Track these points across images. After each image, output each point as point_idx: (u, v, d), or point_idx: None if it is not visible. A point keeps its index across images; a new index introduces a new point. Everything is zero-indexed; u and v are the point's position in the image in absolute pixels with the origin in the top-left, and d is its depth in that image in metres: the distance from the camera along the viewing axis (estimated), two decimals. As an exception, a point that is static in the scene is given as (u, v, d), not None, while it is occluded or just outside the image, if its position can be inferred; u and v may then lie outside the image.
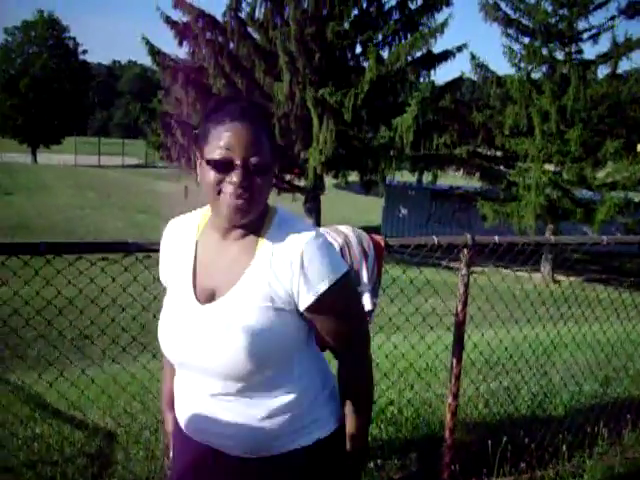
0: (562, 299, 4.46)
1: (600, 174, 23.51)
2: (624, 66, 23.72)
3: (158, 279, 2.13)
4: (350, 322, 1.95)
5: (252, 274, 1.83)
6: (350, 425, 2.03)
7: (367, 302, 2.90)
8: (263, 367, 1.82)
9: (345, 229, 3.01)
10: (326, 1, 21.10)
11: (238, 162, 1.75)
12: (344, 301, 1.89)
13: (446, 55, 22.86)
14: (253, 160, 1.76)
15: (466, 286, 3.47)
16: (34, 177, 34.43)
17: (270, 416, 1.87)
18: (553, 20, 23.04)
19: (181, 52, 23.29)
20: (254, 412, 1.87)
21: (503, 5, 23.55)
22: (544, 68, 23.42)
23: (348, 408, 2.02)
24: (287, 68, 20.59)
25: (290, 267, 1.80)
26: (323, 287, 1.80)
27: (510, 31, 23.65)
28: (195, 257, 1.94)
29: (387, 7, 22.92)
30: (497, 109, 23.84)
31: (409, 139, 20.85)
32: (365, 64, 21.91)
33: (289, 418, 1.89)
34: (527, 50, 23.27)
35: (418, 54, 22.34)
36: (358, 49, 22.99)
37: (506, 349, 4.56)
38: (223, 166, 1.76)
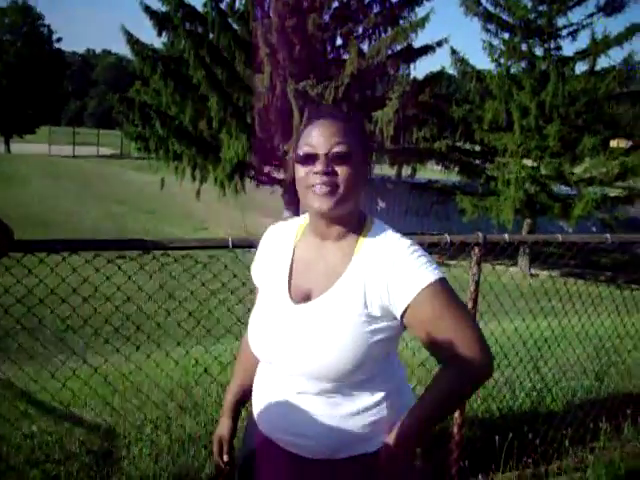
0: (542, 293, 4.50)
1: (578, 170, 23.75)
2: (602, 63, 23.92)
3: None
4: (448, 331, 1.86)
5: (348, 279, 1.88)
6: (409, 415, 1.93)
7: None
8: (351, 371, 1.83)
9: None
10: (307, -7, 21.06)
11: (320, 152, 1.86)
12: (440, 308, 1.85)
13: (426, 49, 22.89)
14: (335, 150, 1.86)
15: (477, 284, 3.48)
16: (8, 167, 34.05)
17: (352, 419, 1.89)
18: (533, 16, 23.15)
19: (160, 42, 23.07)
20: (336, 413, 1.89)
21: (483, 0, 23.66)
22: (523, 64, 23.56)
23: (420, 402, 1.94)
24: (268, 60, 20.49)
25: (385, 275, 1.84)
26: (415, 294, 1.82)
27: (490, 26, 23.75)
28: (292, 259, 2.00)
29: (368, 0, 22.88)
30: (477, 104, 23.97)
31: (389, 133, 20.88)
32: (346, 57, 21.88)
33: (369, 422, 1.90)
34: (507, 46, 23.39)
35: (399, 48, 22.36)
36: (339, 42, 22.98)
37: (496, 341, 4.58)
38: (308, 159, 1.88)
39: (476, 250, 3.47)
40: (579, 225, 23.16)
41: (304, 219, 2.09)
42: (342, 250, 1.94)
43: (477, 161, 25.07)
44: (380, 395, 1.91)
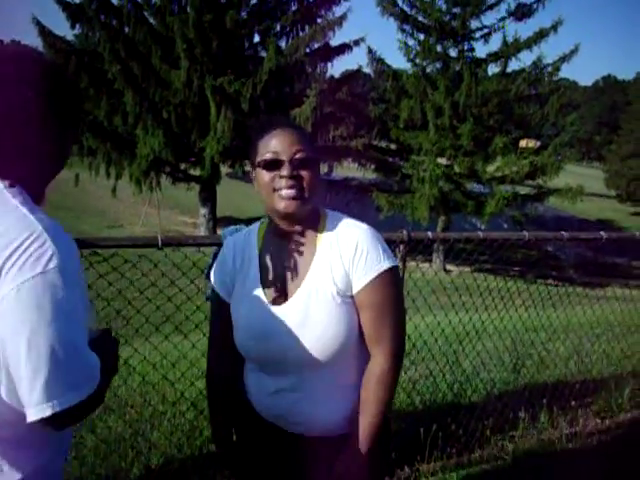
0: (454, 288, 4.63)
1: (490, 168, 24.40)
2: (513, 66, 24.62)
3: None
4: (390, 316, 2.03)
5: (316, 267, 2.01)
6: (361, 423, 2.04)
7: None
8: (336, 356, 1.98)
9: None
10: (224, -12, 20.95)
11: (284, 158, 1.97)
12: (390, 293, 2.02)
13: (344, 48, 23.04)
14: (298, 155, 1.97)
15: (402, 280, 3.56)
16: None
17: (343, 400, 2.07)
18: (447, 18, 23.73)
19: (73, 35, 22.55)
20: (329, 397, 2.05)
21: (400, 1, 24.08)
22: (438, 64, 24.08)
23: (362, 405, 2.04)
24: (185, 55, 20.32)
25: (347, 253, 1.99)
26: (374, 274, 1.98)
27: (406, 27, 24.23)
28: (259, 265, 2.09)
29: (285, -2, 22.92)
30: (392, 103, 24.39)
31: (307, 130, 20.97)
32: (264, 54, 21.82)
33: (357, 400, 2.05)
34: (422, 46, 23.91)
35: (316, 46, 22.47)
36: (257, 38, 22.95)
37: (420, 336, 4.70)
38: (273, 164, 1.98)
39: (401, 247, 3.56)
40: (491, 222, 23.81)
41: (258, 225, 2.20)
42: (305, 244, 2.06)
43: (393, 159, 25.47)
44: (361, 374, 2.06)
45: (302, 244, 2.06)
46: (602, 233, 4.40)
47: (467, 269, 21.02)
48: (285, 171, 1.96)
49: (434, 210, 23.72)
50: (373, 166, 24.80)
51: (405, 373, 4.58)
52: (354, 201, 25.55)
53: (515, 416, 4.40)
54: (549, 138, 27.03)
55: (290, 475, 2.16)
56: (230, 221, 22.88)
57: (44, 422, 1.35)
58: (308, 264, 2.03)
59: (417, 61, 24.06)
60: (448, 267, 22.86)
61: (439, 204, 23.57)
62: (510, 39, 23.38)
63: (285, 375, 2.05)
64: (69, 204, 24.95)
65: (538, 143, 27.86)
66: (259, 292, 2.06)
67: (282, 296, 2.04)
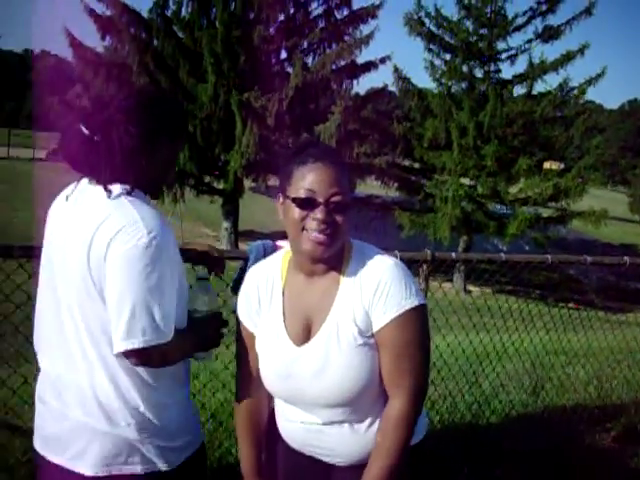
0: (476, 309, 4.63)
1: (513, 189, 24.32)
2: (539, 87, 24.62)
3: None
4: (412, 357, 1.95)
5: (338, 306, 1.96)
6: (369, 466, 1.98)
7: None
8: (357, 398, 1.96)
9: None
10: (253, 4, 21.12)
11: (321, 200, 1.88)
12: (413, 332, 1.94)
13: (370, 66, 23.20)
14: (335, 199, 1.88)
15: (425, 293, 3.60)
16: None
17: (372, 429, 2.03)
18: (474, 39, 23.76)
19: (102, 47, 22.77)
20: (359, 429, 2.03)
21: (427, 21, 24.15)
22: (464, 84, 24.10)
23: (377, 448, 1.98)
24: (212, 70, 20.51)
25: (368, 290, 1.93)
26: (396, 313, 1.91)
27: (432, 46, 24.25)
28: (283, 302, 2.05)
29: (313, 15, 23.10)
30: (417, 121, 24.41)
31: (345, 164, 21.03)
32: (290, 70, 22.00)
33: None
34: (448, 66, 23.93)
35: (343, 63, 22.60)
36: (284, 54, 23.10)
37: (441, 355, 4.71)
38: (307, 204, 1.89)
39: (424, 267, 3.59)
40: (513, 243, 23.72)
41: (282, 255, 2.12)
42: (329, 282, 1.99)
43: (416, 178, 25.44)
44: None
45: (325, 281, 2.00)
46: (626, 258, 4.41)
47: (488, 290, 20.90)
48: (319, 214, 1.86)
49: (456, 230, 23.65)
50: (396, 184, 24.77)
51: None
52: (376, 219, 25.52)
53: (533, 438, 4.40)
54: (573, 161, 26.92)
55: None
56: (252, 235, 22.96)
57: (124, 355, 1.90)
58: (331, 303, 1.97)
59: (443, 81, 24.08)
60: (469, 287, 22.74)
61: (461, 224, 23.51)
62: (536, 61, 23.34)
63: (307, 411, 2.04)
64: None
65: (562, 165, 27.75)
66: (282, 330, 2.02)
67: (305, 335, 2.00)
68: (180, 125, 2.20)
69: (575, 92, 23.87)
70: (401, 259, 3.49)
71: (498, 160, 22.90)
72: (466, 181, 24.19)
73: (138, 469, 1.99)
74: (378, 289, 1.91)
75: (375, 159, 23.22)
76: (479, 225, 23.83)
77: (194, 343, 2.12)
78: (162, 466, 2.02)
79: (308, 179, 1.89)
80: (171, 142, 2.11)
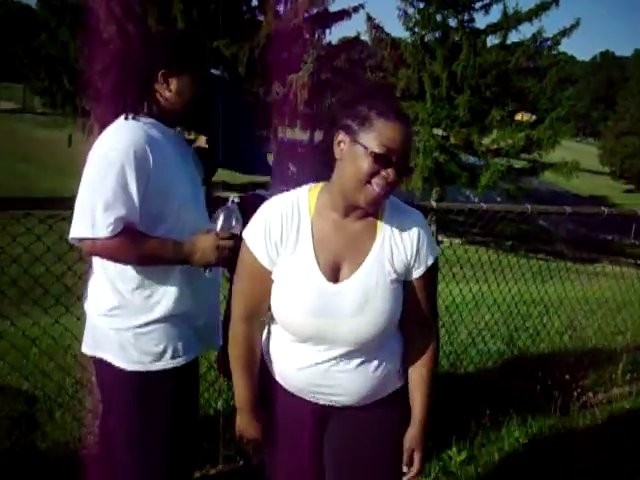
0: (444, 259, 4.60)
1: (485, 140, 24.34)
2: (513, 38, 24.56)
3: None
4: (434, 302, 2.13)
5: (376, 252, 1.98)
6: (420, 398, 2.12)
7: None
8: (386, 333, 2.03)
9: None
10: (223, -50, 20.68)
11: (394, 159, 1.84)
12: (434, 279, 2.10)
13: (342, 14, 22.80)
14: (404, 162, 1.87)
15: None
16: None
17: (381, 369, 2.07)
18: (448, -13, 23.47)
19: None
20: (370, 367, 2.06)
21: (401, -32, 23.79)
22: (437, 34, 23.87)
23: (420, 379, 2.12)
24: (181, 17, 20.10)
25: (411, 243, 2.00)
26: (431, 261, 2.02)
27: (406, -5, 23.94)
28: (312, 236, 1.99)
29: (285, -38, 22.62)
30: (390, 71, 24.21)
31: (303, 96, 20.85)
32: (261, 18, 21.63)
33: (392, 368, 2.10)
34: (422, 15, 23.66)
35: (315, 11, 22.23)
36: (255, 2, 22.68)
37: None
38: (382, 160, 1.83)
39: (429, 217, 3.57)
40: (485, 195, 23.81)
41: (306, 193, 2.04)
42: (364, 226, 2.00)
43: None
44: (398, 344, 2.13)
45: (361, 224, 1.99)
46: (604, 208, 4.39)
47: (457, 240, 21.02)
48: (392, 175, 1.84)
49: (428, 181, 23.67)
50: (369, 135, 24.67)
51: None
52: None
53: (509, 388, 4.42)
54: (545, 112, 26.97)
55: (312, 442, 2.20)
56: (223, 187, 22.73)
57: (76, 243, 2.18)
58: (368, 248, 1.98)
59: (416, 30, 23.88)
60: (440, 238, 22.85)
61: (433, 175, 23.53)
62: (511, 11, 23.22)
63: (329, 349, 2.02)
64: (62, 165, 24.75)
65: (534, 117, 27.80)
66: (314, 267, 1.97)
67: (334, 274, 1.98)
68: (189, 58, 2.30)
69: (549, 43, 23.82)
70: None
71: (471, 111, 22.88)
72: (439, 132, 24.15)
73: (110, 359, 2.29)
74: (419, 240, 1.99)
75: (347, 110, 23.03)
76: (452, 176, 23.88)
77: (175, 251, 2.23)
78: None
79: (389, 135, 1.84)
80: (182, 75, 2.27)
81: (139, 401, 2.31)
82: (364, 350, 2.02)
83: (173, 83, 2.27)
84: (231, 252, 2.23)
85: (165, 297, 2.28)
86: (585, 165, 28.88)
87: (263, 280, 2.03)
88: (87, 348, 2.36)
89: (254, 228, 2.02)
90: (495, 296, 5.09)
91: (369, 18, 23.73)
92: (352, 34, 24.17)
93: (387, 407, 2.13)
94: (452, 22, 23.75)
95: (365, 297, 1.95)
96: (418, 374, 2.11)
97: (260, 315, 2.11)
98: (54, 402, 3.62)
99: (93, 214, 2.10)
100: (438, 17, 23.59)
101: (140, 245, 2.18)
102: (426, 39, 23.97)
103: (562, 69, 25.28)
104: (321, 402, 2.10)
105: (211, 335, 2.47)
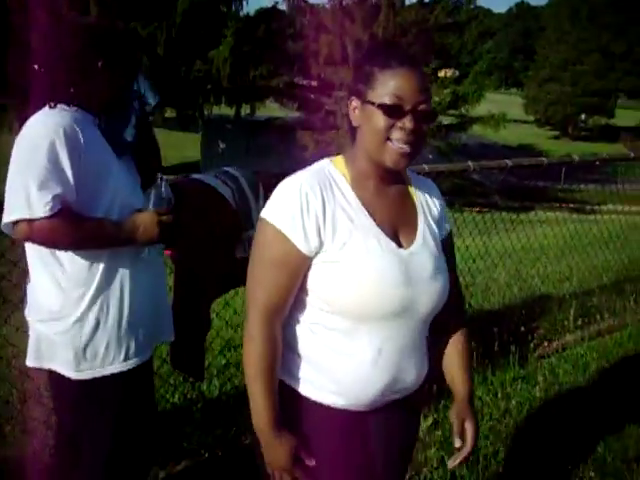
0: None
1: (413, 99, 24.40)
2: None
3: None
4: (456, 272, 2.05)
5: (422, 216, 1.91)
6: (466, 374, 2.01)
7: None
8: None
9: (235, 171, 2.92)
10: None
11: (408, 107, 1.70)
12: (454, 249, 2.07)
13: (258, -16, 22.57)
14: (422, 107, 1.72)
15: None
16: None
17: (427, 349, 1.96)
18: (361, -52, 23.27)
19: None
20: (424, 346, 1.93)
21: None
22: (355, -3, 23.70)
23: (463, 357, 2.01)
24: (94, 1, 19.50)
25: (436, 208, 1.96)
26: (449, 227, 2.00)
27: (320, -41, 23.71)
28: (365, 208, 1.81)
29: None
30: (311, 38, 23.97)
31: (226, 71, 20.64)
32: (176, -5, 21.17)
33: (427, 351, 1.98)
34: (338, -22, 23.43)
35: (229, -16, 21.91)
36: (168, -21, 22.15)
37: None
38: (394, 111, 1.71)
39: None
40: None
41: (332, 166, 1.84)
42: (401, 190, 1.90)
43: (315, 96, 25.16)
44: None
45: (398, 187, 1.89)
46: (544, 159, 4.39)
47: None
48: (408, 123, 1.69)
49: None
50: (296, 104, 24.49)
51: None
52: (279, 141, 25.28)
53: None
54: (467, 67, 27.19)
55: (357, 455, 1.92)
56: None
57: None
58: (413, 212, 1.89)
59: (334, -6, 23.68)
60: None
61: (364, 139, 23.53)
62: (427, -32, 23.18)
63: (393, 331, 1.81)
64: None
65: (457, 72, 28.00)
66: (381, 236, 1.79)
67: (398, 241, 1.83)
68: (116, 53, 2.23)
69: (466, -3, 23.96)
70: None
71: (396, 71, 22.88)
72: (365, 96, 24.14)
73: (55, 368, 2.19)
74: (441, 203, 1.97)
75: (272, 80, 22.86)
76: (384, 138, 23.92)
77: (115, 230, 2.16)
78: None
79: (395, 84, 1.71)
80: (106, 69, 2.20)
81: (90, 408, 2.20)
82: (425, 327, 1.90)
83: (105, 74, 2.21)
84: (170, 228, 2.21)
85: (112, 297, 2.17)
86: (511, 115, 29.22)
87: (295, 269, 1.77)
88: (32, 360, 2.23)
89: (283, 208, 1.75)
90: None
91: (286, -14, 23.45)
92: (270, 4, 23.95)
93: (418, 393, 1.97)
94: (369, -17, 23.62)
95: (433, 260, 1.85)
96: (454, 349, 1.99)
97: (284, 313, 1.82)
98: (1, 417, 3.46)
99: (27, 194, 2.00)
100: (355, -21, 23.44)
101: (79, 226, 2.09)
102: (344, 2, 23.77)
103: (481, 23, 25.42)
104: (388, 398, 1.86)
105: (162, 330, 2.38)
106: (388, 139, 1.72)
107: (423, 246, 1.85)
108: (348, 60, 22.76)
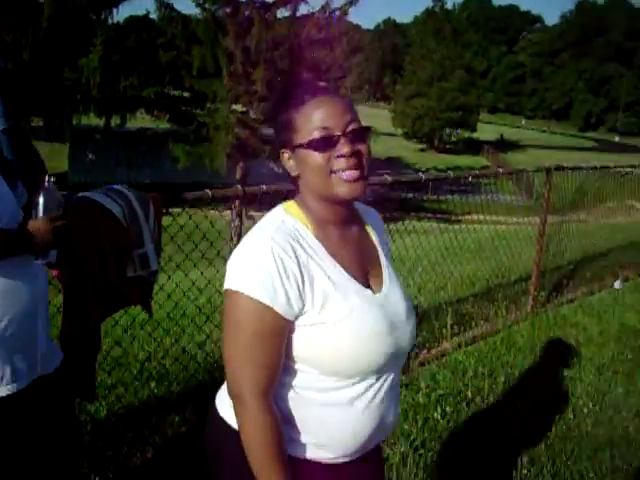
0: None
1: (285, 113, 24.59)
2: (302, 10, 24.82)
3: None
4: None
5: (382, 252, 1.88)
6: None
7: (153, 261, 2.84)
8: None
9: (124, 189, 2.88)
10: None
11: (339, 132, 1.65)
12: None
13: (128, -7, 22.18)
14: (352, 127, 1.67)
15: (239, 234, 3.53)
16: None
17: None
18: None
19: None
20: (398, 387, 1.91)
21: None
22: (228, 9, 23.64)
23: None
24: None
25: (387, 243, 1.97)
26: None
27: (192, -30, 23.53)
28: (337, 261, 1.72)
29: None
30: (183, 49, 23.77)
31: (96, 81, 20.20)
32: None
33: None
34: (211, -9, 23.34)
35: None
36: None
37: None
38: (325, 143, 1.64)
39: (237, 203, 3.52)
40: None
41: (286, 213, 1.75)
42: (358, 226, 1.85)
43: (187, 108, 24.99)
44: None
45: (356, 226, 1.83)
46: (421, 175, 4.57)
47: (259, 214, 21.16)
48: (345, 148, 1.63)
49: (232, 158, 23.63)
50: (167, 116, 24.20)
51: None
52: (149, 153, 24.92)
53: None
54: (336, 81, 27.69)
55: None
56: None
57: None
58: (374, 249, 1.85)
59: (206, 6, 23.54)
60: (250, 213, 22.97)
61: (236, 151, 23.50)
62: (299, -17, 23.41)
63: (380, 378, 1.75)
64: None
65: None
66: (355, 285, 1.71)
67: (368, 285, 1.76)
68: None
69: (337, 14, 24.38)
70: (213, 197, 3.42)
71: (268, 84, 22.98)
72: (238, 107, 24.12)
73: None
74: (384, 234, 1.97)
75: (143, 91, 22.51)
76: (255, 151, 23.95)
77: (5, 240, 2.00)
78: None
79: (316, 117, 1.66)
80: None
81: None
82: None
83: None
84: (65, 232, 2.14)
85: None
86: (380, 129, 29.96)
87: (282, 337, 1.65)
88: None
89: (258, 277, 1.61)
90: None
91: (157, -4, 23.11)
92: (141, 13, 23.60)
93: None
94: (242, -3, 23.63)
95: (403, 298, 1.81)
96: None
97: (275, 384, 1.68)
98: None
99: None
100: (228, -8, 23.41)
101: None
102: (216, 14, 23.70)
103: (352, 38, 25.95)
104: (368, 445, 1.82)
105: (44, 359, 2.22)
106: (331, 172, 1.66)
107: (391, 286, 1.80)
108: (221, 72, 22.73)
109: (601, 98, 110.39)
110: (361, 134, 1.69)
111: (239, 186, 3.52)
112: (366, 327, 1.68)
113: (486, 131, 70.90)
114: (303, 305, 1.64)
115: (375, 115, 54.96)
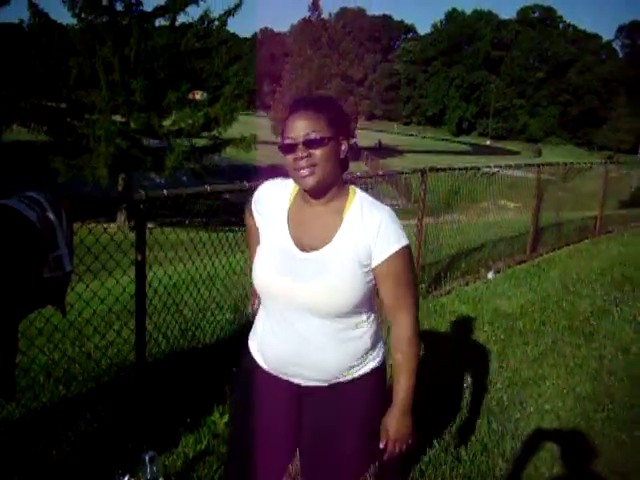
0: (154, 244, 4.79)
1: (166, 122, 24.55)
2: (182, 20, 24.91)
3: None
4: (410, 286, 2.37)
5: (343, 233, 2.31)
6: (397, 381, 2.39)
7: (67, 263, 3.03)
8: (349, 307, 2.29)
9: (36, 195, 3.07)
10: None
11: (299, 140, 2.24)
12: (407, 266, 2.35)
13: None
14: (309, 137, 2.23)
15: (143, 237, 3.77)
16: None
17: (347, 350, 2.36)
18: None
19: None
20: (336, 344, 2.33)
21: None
22: (105, 19, 23.40)
23: (402, 365, 2.38)
24: None
25: (372, 232, 2.29)
26: (392, 250, 2.28)
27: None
28: (288, 220, 2.39)
29: None
30: (59, 59, 23.31)
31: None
32: None
33: (360, 352, 2.38)
34: (87, 0, 23.01)
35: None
36: None
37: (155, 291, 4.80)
38: (289, 148, 2.26)
39: (141, 207, 3.73)
40: (172, 176, 24.05)
41: (293, 185, 2.42)
42: (333, 211, 2.35)
43: (66, 119, 24.41)
44: (368, 330, 2.39)
45: (328, 210, 2.34)
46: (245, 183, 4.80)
47: (151, 225, 21.00)
48: (300, 153, 2.23)
49: (113, 168, 23.37)
50: (45, 128, 23.55)
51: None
52: (28, 166, 24.19)
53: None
54: (216, 90, 27.86)
55: (281, 420, 2.49)
56: None
57: None
58: (333, 231, 2.31)
59: (82, 16, 23.23)
60: (132, 223, 22.74)
61: (117, 162, 23.27)
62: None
63: (293, 319, 2.32)
64: None
65: (205, 95, 28.67)
66: (286, 237, 2.35)
67: (305, 248, 2.32)
68: None
69: (216, 23, 24.60)
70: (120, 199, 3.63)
71: (147, 94, 22.94)
72: (118, 118, 23.90)
73: None
74: (380, 231, 2.28)
75: (18, 102, 21.89)
76: (136, 161, 23.80)
77: None
78: None
79: (288, 128, 2.26)
80: None
81: None
82: (333, 328, 2.30)
83: None
84: None
85: None
86: (261, 137, 30.26)
87: (253, 233, 2.56)
88: None
89: (255, 196, 2.52)
90: (209, 271, 5.28)
91: (31, 5, 22.54)
92: (14, 21, 22.98)
93: (358, 388, 2.39)
94: (119, 6, 23.39)
95: (323, 268, 2.27)
96: (395, 359, 2.39)
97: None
98: None
99: None
100: (104, 1, 23.13)
101: None
102: (94, 23, 23.37)
103: (231, 48, 26.20)
104: (295, 381, 2.40)
105: None
106: (294, 169, 2.28)
107: (322, 255, 2.30)
108: (99, 83, 22.47)
109: (472, 104, 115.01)
110: (316, 142, 2.24)
111: (142, 191, 3.71)
112: (267, 259, 2.36)
113: (364, 137, 72.45)
114: (261, 223, 2.50)
115: (255, 124, 55.17)
